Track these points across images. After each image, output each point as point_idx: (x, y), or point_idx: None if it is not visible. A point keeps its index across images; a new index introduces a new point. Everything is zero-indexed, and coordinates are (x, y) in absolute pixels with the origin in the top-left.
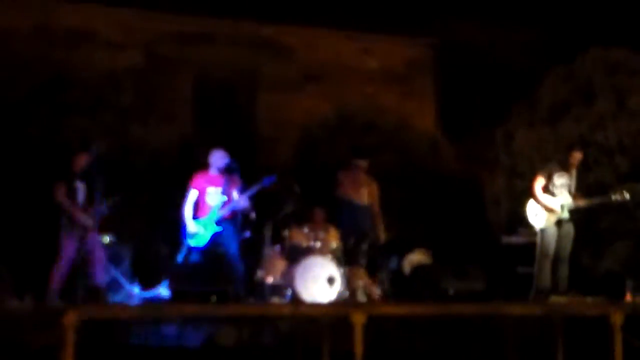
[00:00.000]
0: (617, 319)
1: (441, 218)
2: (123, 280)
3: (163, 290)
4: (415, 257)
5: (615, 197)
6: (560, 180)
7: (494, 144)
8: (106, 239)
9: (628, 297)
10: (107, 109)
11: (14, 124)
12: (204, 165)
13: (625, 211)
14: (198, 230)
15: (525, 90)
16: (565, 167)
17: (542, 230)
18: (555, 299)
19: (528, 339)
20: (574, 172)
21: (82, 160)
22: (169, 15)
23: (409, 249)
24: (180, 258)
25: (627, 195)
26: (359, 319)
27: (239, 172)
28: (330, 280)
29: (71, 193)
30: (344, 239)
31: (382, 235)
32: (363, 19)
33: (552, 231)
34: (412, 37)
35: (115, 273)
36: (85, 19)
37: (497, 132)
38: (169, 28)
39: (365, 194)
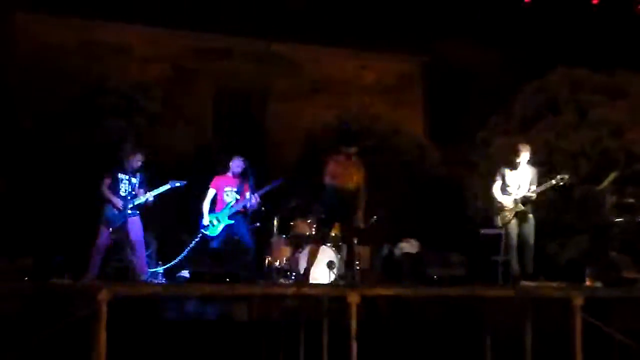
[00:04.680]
0: (578, 301)
1: (428, 213)
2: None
3: (185, 272)
4: (405, 246)
5: (557, 180)
6: (512, 179)
7: (474, 149)
8: None
9: (587, 282)
10: (139, 114)
11: (60, 126)
12: (223, 169)
13: (585, 209)
14: (212, 222)
15: (502, 102)
16: (514, 166)
17: (505, 226)
18: (525, 283)
19: (502, 319)
20: (526, 168)
21: (137, 158)
22: (194, 33)
23: (400, 239)
24: (193, 243)
25: (566, 177)
26: (354, 299)
27: (253, 172)
28: (330, 265)
29: (115, 184)
30: (324, 222)
31: (360, 219)
32: (362, 39)
33: (513, 224)
34: (404, 55)
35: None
36: (121, 35)
37: (476, 139)
38: (193, 44)
39: (352, 180)
